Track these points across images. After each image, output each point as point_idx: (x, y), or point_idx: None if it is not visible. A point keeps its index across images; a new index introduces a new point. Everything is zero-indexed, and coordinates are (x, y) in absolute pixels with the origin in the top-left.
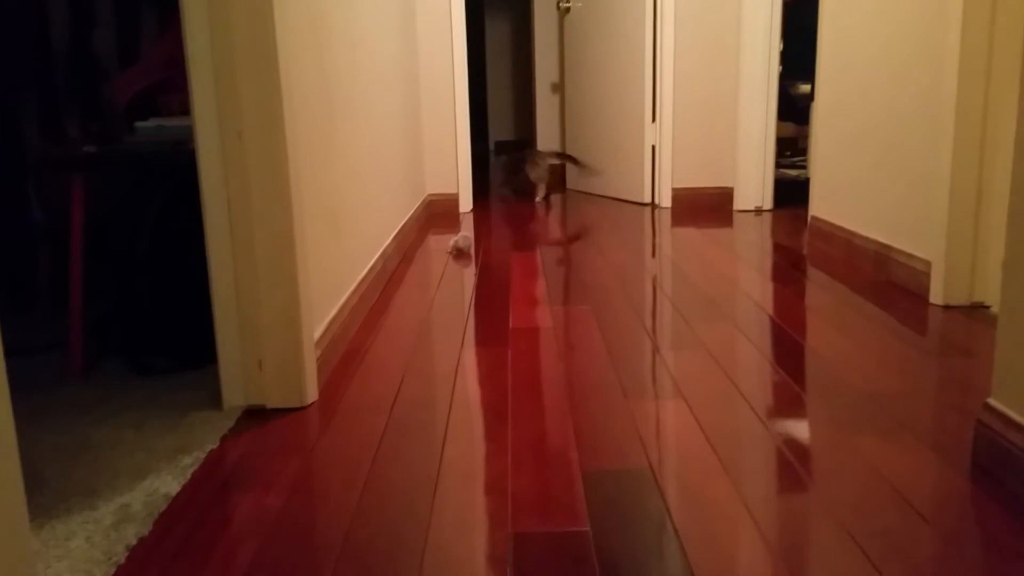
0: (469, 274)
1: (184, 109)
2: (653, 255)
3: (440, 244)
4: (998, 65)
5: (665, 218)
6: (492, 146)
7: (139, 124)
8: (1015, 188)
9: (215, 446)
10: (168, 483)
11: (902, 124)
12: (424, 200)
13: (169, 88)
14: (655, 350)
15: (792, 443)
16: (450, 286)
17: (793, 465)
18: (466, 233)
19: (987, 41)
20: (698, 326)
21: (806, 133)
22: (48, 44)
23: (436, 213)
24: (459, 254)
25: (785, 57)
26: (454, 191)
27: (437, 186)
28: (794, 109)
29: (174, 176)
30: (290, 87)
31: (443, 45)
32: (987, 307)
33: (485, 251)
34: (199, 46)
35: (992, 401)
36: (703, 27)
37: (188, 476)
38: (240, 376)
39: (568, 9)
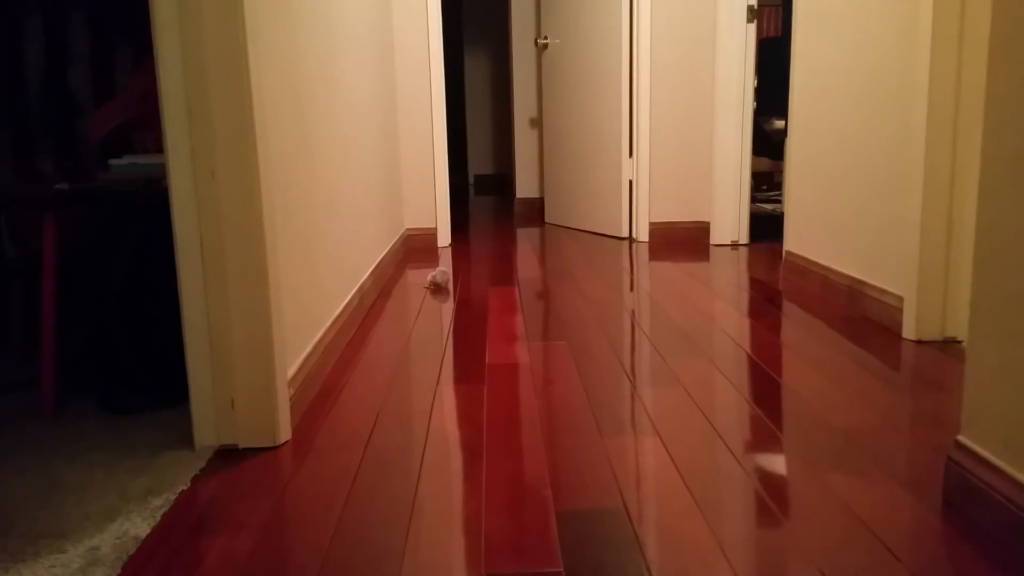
0: (447, 309)
1: (159, 146)
2: (631, 289)
3: (418, 279)
4: (966, 103)
5: (642, 252)
6: (472, 180)
7: (112, 161)
8: (980, 229)
9: (186, 487)
10: (138, 525)
11: (873, 161)
12: (402, 235)
13: (144, 125)
14: (631, 387)
15: (766, 481)
16: (427, 321)
17: (767, 503)
18: (444, 268)
19: (955, 80)
20: (674, 362)
21: (781, 168)
22: (23, 80)
23: (414, 248)
24: (437, 289)
25: (759, 93)
26: (432, 225)
27: (415, 221)
28: (769, 144)
29: (148, 213)
30: (264, 123)
31: (421, 80)
32: (959, 342)
33: (463, 286)
34: (172, 83)
35: (962, 438)
36: (678, 64)
37: (158, 518)
38: (212, 415)
39: (546, 45)
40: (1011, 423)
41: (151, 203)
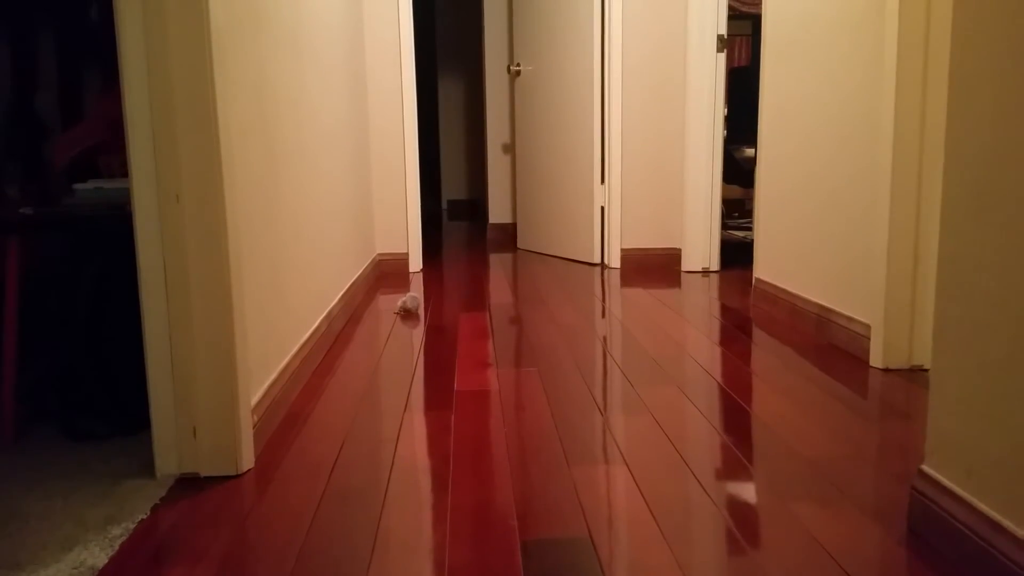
0: (416, 335)
1: (126, 171)
2: (602, 316)
3: (389, 304)
4: (930, 137)
5: (614, 279)
6: (445, 205)
7: (78, 186)
8: (942, 259)
9: (146, 516)
10: (96, 555)
11: (841, 191)
12: (374, 260)
13: (111, 149)
14: (600, 415)
15: (733, 511)
16: (396, 347)
17: (733, 533)
18: (414, 293)
19: (919, 114)
20: (644, 390)
21: (752, 195)
22: None
23: (386, 273)
24: (407, 315)
25: (730, 122)
26: (404, 251)
27: (387, 246)
28: (740, 172)
29: (113, 238)
30: (231, 149)
31: (394, 106)
32: (926, 370)
33: (434, 312)
34: (138, 107)
35: (925, 467)
36: (650, 92)
37: (117, 547)
38: (174, 443)
39: (519, 72)
40: (973, 452)
41: (116, 228)
